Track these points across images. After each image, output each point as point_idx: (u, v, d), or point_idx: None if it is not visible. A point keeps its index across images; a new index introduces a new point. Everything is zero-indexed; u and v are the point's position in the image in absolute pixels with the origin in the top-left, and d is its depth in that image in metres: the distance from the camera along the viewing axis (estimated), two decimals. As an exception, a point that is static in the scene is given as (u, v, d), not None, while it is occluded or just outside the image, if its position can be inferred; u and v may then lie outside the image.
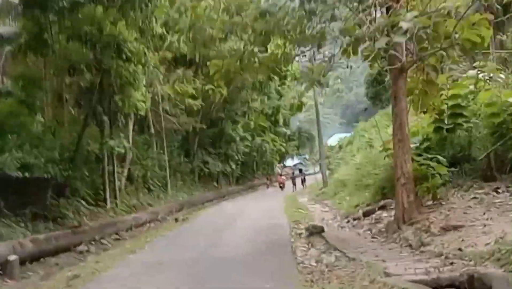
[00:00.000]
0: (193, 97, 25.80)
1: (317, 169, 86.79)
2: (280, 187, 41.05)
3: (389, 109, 22.22)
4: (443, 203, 10.38)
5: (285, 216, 16.07)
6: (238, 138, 35.92)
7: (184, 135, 31.45)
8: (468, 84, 12.51)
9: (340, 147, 31.97)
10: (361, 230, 11.46)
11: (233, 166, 36.88)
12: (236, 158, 38.97)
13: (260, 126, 44.29)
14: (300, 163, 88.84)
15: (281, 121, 55.70)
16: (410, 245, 8.63)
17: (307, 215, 15.80)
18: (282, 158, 64.46)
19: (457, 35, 9.13)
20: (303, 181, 44.18)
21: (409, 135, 10.69)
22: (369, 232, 11.05)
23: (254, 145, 44.50)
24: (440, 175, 10.80)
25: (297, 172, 50.15)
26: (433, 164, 10.83)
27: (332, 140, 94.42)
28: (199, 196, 29.43)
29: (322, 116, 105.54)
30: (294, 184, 39.45)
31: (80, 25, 15.37)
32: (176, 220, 17.82)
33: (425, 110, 11.81)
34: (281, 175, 50.00)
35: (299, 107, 10.04)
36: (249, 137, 38.26)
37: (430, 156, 11.01)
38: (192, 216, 20.03)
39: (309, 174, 59.61)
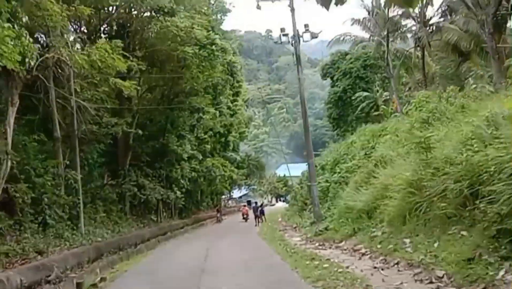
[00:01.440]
0: (124, 78, 17.30)
1: (266, 201, 79.40)
2: (244, 218, 36.54)
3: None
4: None
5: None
6: (185, 157, 27.43)
7: (111, 147, 22.49)
8: None
9: (323, 169, 24.45)
10: None
11: (178, 194, 28.12)
12: (182, 183, 30.32)
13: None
14: (246, 194, 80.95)
15: (231, 145, 48.00)
16: None
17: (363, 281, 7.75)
18: (231, 187, 56.24)
19: None
20: (262, 213, 36.15)
21: None
22: None
23: (202, 169, 36.13)
24: None
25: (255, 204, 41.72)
26: None
27: (282, 170, 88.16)
28: (131, 234, 20.45)
29: (268, 146, 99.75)
30: (257, 216, 31.21)
31: None
32: (80, 287, 9.02)
33: None
34: (245, 206, 43.42)
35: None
36: (200, 157, 29.79)
37: None
38: (114, 274, 11.23)
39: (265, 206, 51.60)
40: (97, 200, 19.96)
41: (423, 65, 30.97)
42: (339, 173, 20.69)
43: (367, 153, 18.30)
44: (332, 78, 44.02)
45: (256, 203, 36.46)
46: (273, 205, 73.67)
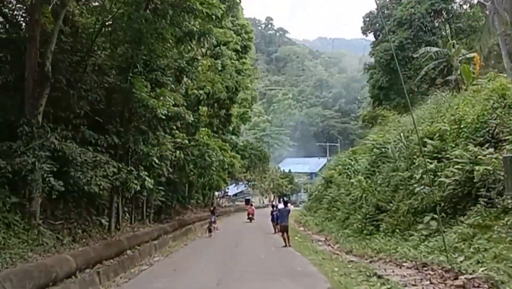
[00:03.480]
0: None
1: (266, 200, 67.10)
2: (249, 218, 33.25)
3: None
4: None
5: None
6: (162, 113, 15.04)
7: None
8: None
9: (442, 139, 12.45)
10: None
11: (148, 181, 15.84)
12: (159, 167, 18.17)
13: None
14: (242, 192, 68.59)
15: (233, 123, 36.05)
16: None
17: None
18: (229, 180, 44.03)
19: None
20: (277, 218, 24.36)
21: None
22: None
23: (192, 151, 24.26)
24: None
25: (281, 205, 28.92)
26: None
27: (285, 165, 75.99)
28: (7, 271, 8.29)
29: (270, 136, 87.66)
30: (283, 230, 18.31)
31: None
32: None
33: None
34: (251, 205, 38.58)
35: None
36: (189, 118, 17.28)
37: None
38: None
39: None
40: None
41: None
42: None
43: None
44: (377, 33, 31.97)
45: (285, 203, 22.10)
46: (276, 206, 61.71)
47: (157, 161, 16.22)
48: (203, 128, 19.88)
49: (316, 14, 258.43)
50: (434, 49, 26.53)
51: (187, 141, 19.75)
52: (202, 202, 41.34)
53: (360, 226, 15.08)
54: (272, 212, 24.40)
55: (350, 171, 22.65)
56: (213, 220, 24.94)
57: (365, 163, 18.40)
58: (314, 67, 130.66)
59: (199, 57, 18.61)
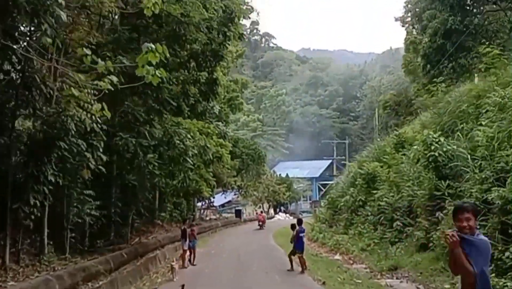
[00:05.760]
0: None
1: (259, 210, 55.87)
2: (260, 226, 32.56)
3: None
4: None
5: None
6: None
7: None
8: None
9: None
10: None
11: None
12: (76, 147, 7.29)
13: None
14: (229, 202, 57.47)
15: (218, 98, 25.23)
16: None
17: None
18: (214, 185, 32.70)
19: None
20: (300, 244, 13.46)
21: None
22: None
23: (158, 133, 13.83)
24: None
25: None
26: None
27: (280, 170, 65.16)
28: None
29: (262, 137, 76.84)
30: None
31: None
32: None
33: None
34: (261, 212, 37.22)
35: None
36: None
37: None
38: None
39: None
40: None
41: None
42: None
43: None
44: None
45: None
46: (272, 217, 50.57)
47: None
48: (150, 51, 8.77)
49: (299, 25, 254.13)
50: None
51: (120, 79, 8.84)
52: (179, 215, 30.35)
53: None
54: (297, 232, 13.35)
55: (439, 152, 12.09)
56: (185, 247, 13.89)
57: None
58: (302, 72, 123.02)
59: None
